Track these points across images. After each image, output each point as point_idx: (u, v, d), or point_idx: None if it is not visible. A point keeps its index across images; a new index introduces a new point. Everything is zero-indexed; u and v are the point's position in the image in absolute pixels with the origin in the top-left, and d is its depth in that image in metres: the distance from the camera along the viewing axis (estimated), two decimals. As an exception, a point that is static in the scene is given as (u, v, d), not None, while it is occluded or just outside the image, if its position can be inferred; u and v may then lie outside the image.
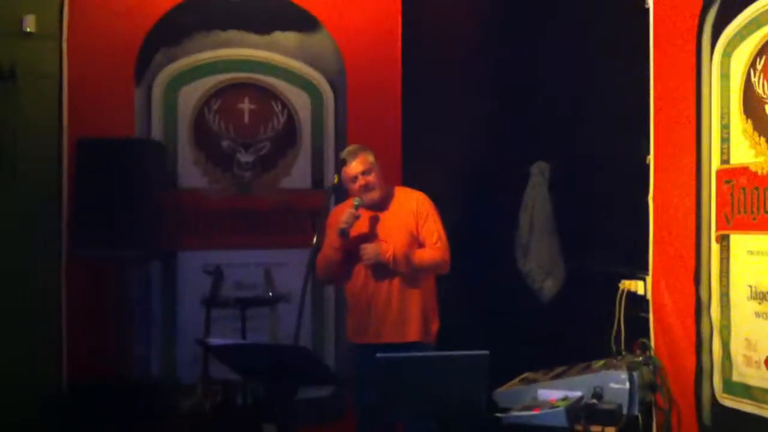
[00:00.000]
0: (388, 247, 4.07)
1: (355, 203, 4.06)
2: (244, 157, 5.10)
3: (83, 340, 4.63)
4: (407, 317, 4.10)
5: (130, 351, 4.74)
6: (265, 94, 5.17)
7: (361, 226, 4.12)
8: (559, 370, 3.92)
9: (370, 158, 4.14)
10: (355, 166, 4.10)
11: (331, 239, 4.12)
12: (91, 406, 4.39)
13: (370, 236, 4.12)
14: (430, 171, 4.88)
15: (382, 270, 4.08)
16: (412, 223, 4.14)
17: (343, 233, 4.05)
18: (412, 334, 4.10)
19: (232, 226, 5.04)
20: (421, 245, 4.14)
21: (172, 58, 5.04)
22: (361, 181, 4.09)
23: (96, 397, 4.41)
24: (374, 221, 4.14)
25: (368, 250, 4.06)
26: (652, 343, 4.13)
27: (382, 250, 4.06)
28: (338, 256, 4.11)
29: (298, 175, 5.18)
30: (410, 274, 4.09)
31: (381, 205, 4.16)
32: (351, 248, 4.10)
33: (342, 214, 4.11)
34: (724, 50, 3.90)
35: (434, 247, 4.13)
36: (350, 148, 4.23)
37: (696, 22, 4.03)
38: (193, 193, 5.01)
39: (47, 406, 4.46)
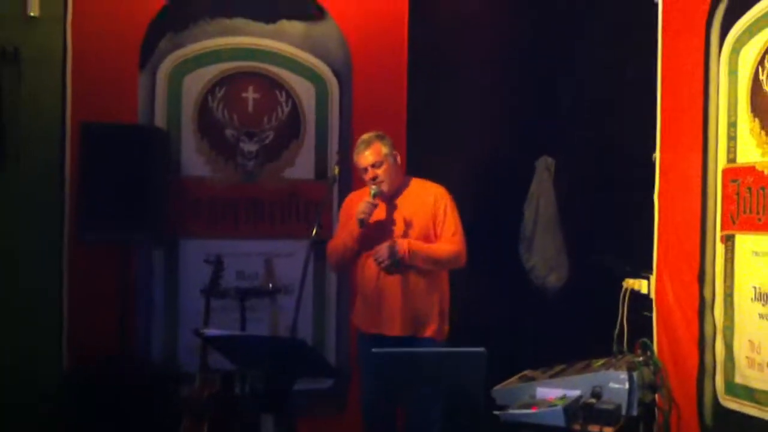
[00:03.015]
0: (402, 242, 4.01)
1: (372, 192, 4.02)
2: (248, 147, 5.07)
3: (84, 326, 4.62)
4: (424, 313, 4.05)
5: (131, 338, 4.73)
6: (270, 83, 5.13)
7: (378, 213, 4.07)
8: (558, 368, 3.90)
9: (384, 149, 4.07)
10: (366, 157, 4.06)
11: (350, 228, 4.08)
12: (91, 392, 4.38)
13: (387, 224, 4.06)
14: (434, 162, 4.84)
15: (397, 266, 4.02)
16: (429, 216, 4.09)
17: (362, 223, 4.00)
18: (428, 330, 4.06)
19: (235, 215, 5.02)
20: (437, 238, 4.09)
21: (177, 44, 5.00)
22: (370, 173, 4.05)
23: (96, 383, 4.40)
24: (391, 208, 4.10)
25: (382, 251, 3.99)
26: (655, 343, 4.11)
27: (398, 248, 3.99)
28: (356, 245, 4.07)
29: (301, 165, 5.15)
30: (426, 268, 4.04)
31: (394, 196, 4.11)
32: (368, 238, 4.05)
33: (357, 202, 4.08)
34: (733, 47, 3.86)
35: (451, 240, 4.08)
36: (366, 136, 4.16)
37: (705, 17, 3.98)
38: (196, 181, 4.99)
39: (47, 391, 4.45)
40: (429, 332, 4.06)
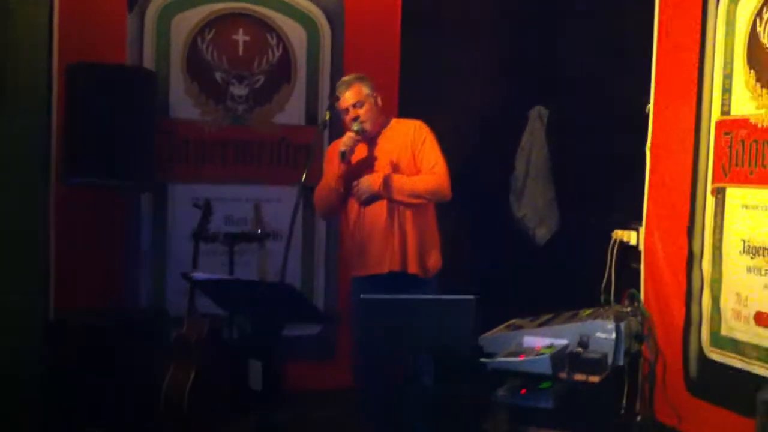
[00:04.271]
0: (378, 176, 4.01)
1: (355, 128, 4.02)
2: (238, 90, 5.01)
3: (71, 270, 4.59)
4: (412, 249, 4.03)
5: (118, 282, 4.71)
6: (261, 26, 5.05)
7: (359, 153, 4.07)
8: (546, 317, 3.91)
9: (365, 90, 4.07)
10: (347, 98, 4.06)
11: (332, 169, 4.08)
12: (78, 336, 4.37)
13: (368, 161, 4.06)
14: (427, 110, 4.78)
15: (376, 200, 4.02)
16: (408, 149, 4.07)
17: (344, 156, 4.00)
18: (417, 266, 4.04)
19: (224, 159, 4.97)
20: (418, 171, 4.07)
21: (167, -16, 4.91)
22: (352, 113, 4.05)
23: (83, 327, 4.39)
24: (372, 147, 4.09)
25: (361, 184, 4.02)
26: (642, 294, 4.12)
27: (372, 181, 4.01)
28: (340, 185, 4.06)
29: (292, 110, 5.09)
30: (407, 202, 4.03)
31: (375, 136, 4.11)
32: (351, 177, 4.04)
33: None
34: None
35: (431, 172, 4.05)
36: (346, 78, 4.17)
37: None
38: (185, 124, 4.93)
39: (34, 336, 4.44)
40: (417, 268, 4.04)
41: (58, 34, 4.62)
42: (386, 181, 3.99)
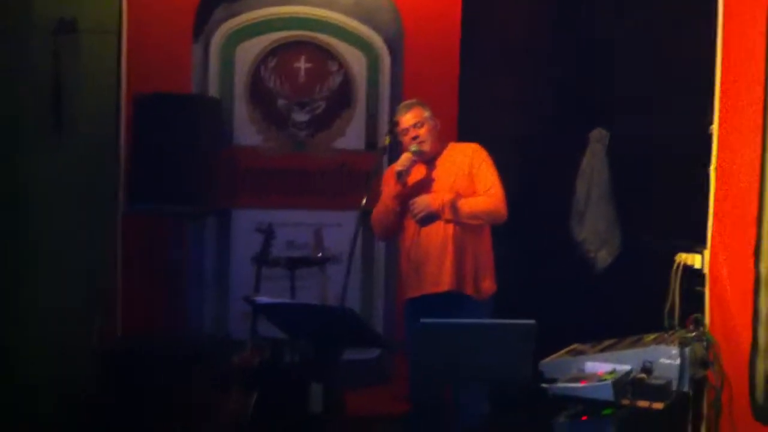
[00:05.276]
0: (437, 196, 4.09)
1: (412, 149, 4.12)
2: (299, 116, 5.09)
3: (138, 295, 4.70)
4: (468, 269, 4.08)
5: (183, 307, 4.80)
6: (322, 52, 5.14)
7: (417, 174, 4.16)
8: (608, 342, 3.84)
9: (425, 113, 4.19)
10: (407, 119, 4.17)
11: (388, 189, 4.17)
12: (145, 359, 4.45)
13: (426, 182, 4.15)
14: (486, 134, 4.79)
15: (433, 220, 4.09)
16: (466, 171, 4.15)
17: (400, 176, 4.10)
18: (472, 287, 4.08)
19: (286, 185, 5.06)
20: (475, 193, 4.12)
21: (231, 14, 5.03)
22: (412, 132, 4.14)
23: (149, 350, 4.47)
24: (430, 169, 4.18)
25: (418, 203, 4.09)
26: (707, 319, 4.03)
27: (431, 200, 4.08)
28: (396, 205, 4.14)
29: (352, 135, 5.17)
30: (464, 223, 4.07)
31: (433, 158, 4.19)
32: (407, 198, 4.12)
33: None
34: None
35: (488, 194, 4.11)
36: (406, 102, 4.32)
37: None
38: (248, 151, 5.03)
39: (102, 359, 4.52)
40: (472, 289, 4.08)
41: (126, 64, 4.76)
42: (445, 201, 4.05)
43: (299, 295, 4.59)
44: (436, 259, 4.07)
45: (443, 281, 4.06)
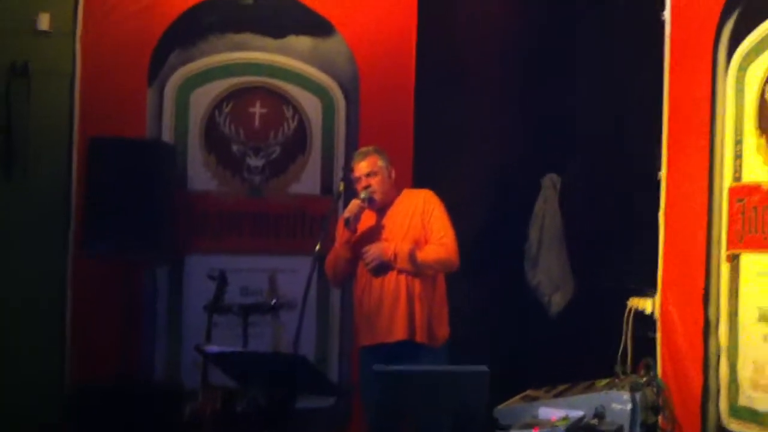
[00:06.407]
0: (389, 245, 4.08)
1: (362, 196, 4.10)
2: (254, 162, 5.08)
3: (87, 341, 4.62)
4: (421, 317, 4.06)
5: (134, 354, 4.72)
6: (277, 98, 5.14)
7: (368, 221, 4.15)
8: (561, 388, 3.86)
9: (380, 162, 4.17)
10: (361, 167, 4.16)
11: (339, 237, 4.16)
12: (93, 409, 4.37)
13: (376, 230, 4.13)
14: (441, 179, 4.83)
15: (386, 269, 4.07)
16: (418, 219, 4.14)
17: (347, 223, 4.08)
18: (426, 335, 4.06)
19: (240, 230, 5.02)
20: (427, 241, 4.11)
21: (186, 59, 5.02)
22: (364, 182, 4.13)
23: (99, 399, 4.39)
24: (380, 216, 4.17)
25: (370, 252, 4.08)
26: (659, 363, 4.07)
27: (384, 249, 4.07)
28: (346, 252, 4.12)
29: (307, 180, 5.16)
30: (415, 271, 4.06)
31: (385, 206, 4.18)
32: (358, 245, 4.10)
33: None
34: (740, 65, 3.85)
35: (440, 242, 4.10)
36: (363, 149, 4.30)
37: (712, 35, 3.98)
38: (203, 196, 5.00)
39: (50, 408, 4.45)
40: (426, 337, 4.06)
41: (79, 107, 4.73)
42: (396, 251, 4.04)
43: (252, 343, 4.52)
44: (388, 308, 4.06)
45: (396, 330, 4.05)
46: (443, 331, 4.15)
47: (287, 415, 3.65)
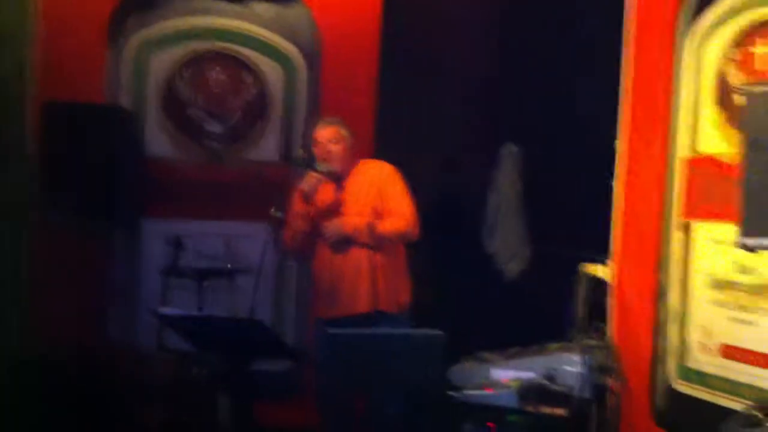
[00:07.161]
0: (349, 220, 4.05)
1: (320, 168, 4.05)
2: (213, 127, 5.05)
3: (45, 307, 4.58)
4: (381, 288, 4.05)
5: (92, 317, 4.70)
6: (238, 64, 5.11)
7: (326, 195, 4.10)
8: (513, 350, 3.91)
9: (343, 132, 4.13)
10: (324, 134, 4.11)
11: (296, 209, 4.10)
12: (49, 372, 4.36)
13: (335, 204, 4.09)
14: (402, 148, 4.84)
15: (346, 242, 4.05)
16: (375, 191, 4.11)
17: (305, 196, 4.03)
18: (381, 303, 4.05)
19: (198, 195, 4.99)
20: (386, 213, 4.10)
21: (146, 23, 4.98)
22: (326, 147, 4.08)
23: (54, 363, 4.38)
24: (339, 190, 4.12)
25: (330, 227, 4.04)
26: (610, 327, 4.13)
27: (343, 224, 4.04)
28: (304, 225, 4.08)
29: (267, 147, 5.14)
30: (376, 244, 4.06)
31: (343, 176, 4.14)
32: (316, 218, 4.07)
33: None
34: (701, 37, 3.88)
35: (399, 214, 4.09)
36: (328, 118, 4.25)
37: (676, 6, 3.99)
38: (161, 162, 4.97)
39: (5, 371, 4.42)
40: (388, 305, 4.06)
41: (36, 71, 4.65)
42: (355, 225, 4.01)
43: (209, 308, 4.52)
44: (350, 281, 4.03)
45: (360, 303, 4.03)
46: (405, 299, 4.16)
47: (243, 379, 3.65)
